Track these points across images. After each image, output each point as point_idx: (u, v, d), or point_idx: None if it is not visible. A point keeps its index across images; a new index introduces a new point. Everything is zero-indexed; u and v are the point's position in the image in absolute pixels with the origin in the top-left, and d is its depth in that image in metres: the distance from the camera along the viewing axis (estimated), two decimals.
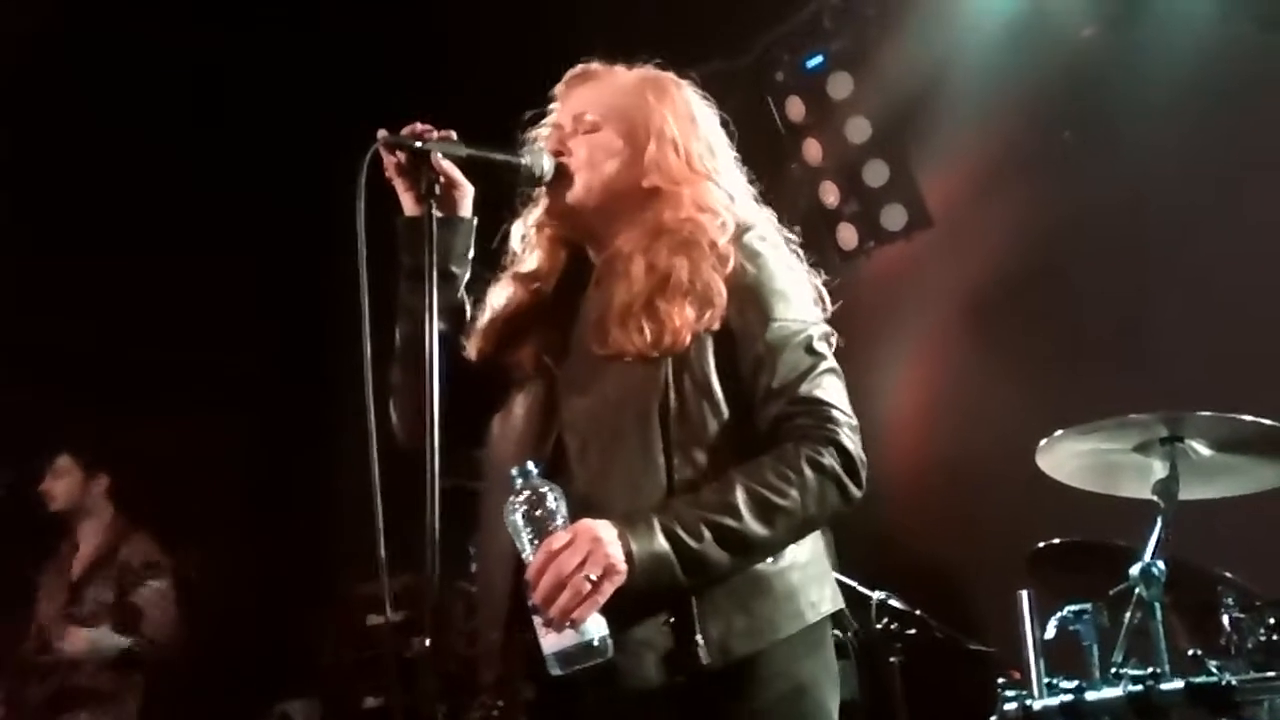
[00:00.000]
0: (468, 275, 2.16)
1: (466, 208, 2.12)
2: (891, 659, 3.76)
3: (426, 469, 1.82)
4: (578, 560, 1.79)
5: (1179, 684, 2.75)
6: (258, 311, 6.23)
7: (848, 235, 5.11)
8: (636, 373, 1.97)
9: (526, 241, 2.24)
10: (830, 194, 5.14)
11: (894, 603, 3.75)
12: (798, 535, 1.96)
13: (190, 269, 5.72)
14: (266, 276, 6.21)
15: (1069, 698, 2.90)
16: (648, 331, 1.97)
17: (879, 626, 3.73)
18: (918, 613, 3.79)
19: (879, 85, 4.96)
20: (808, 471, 1.90)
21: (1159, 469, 3.05)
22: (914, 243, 4.99)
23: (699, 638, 1.89)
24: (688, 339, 1.97)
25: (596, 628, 1.80)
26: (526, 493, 1.85)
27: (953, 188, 4.93)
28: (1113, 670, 2.88)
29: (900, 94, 4.92)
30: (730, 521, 1.87)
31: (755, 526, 1.87)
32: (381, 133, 2.02)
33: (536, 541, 1.83)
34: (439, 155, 2.02)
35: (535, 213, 2.21)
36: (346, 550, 5.65)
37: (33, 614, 4.67)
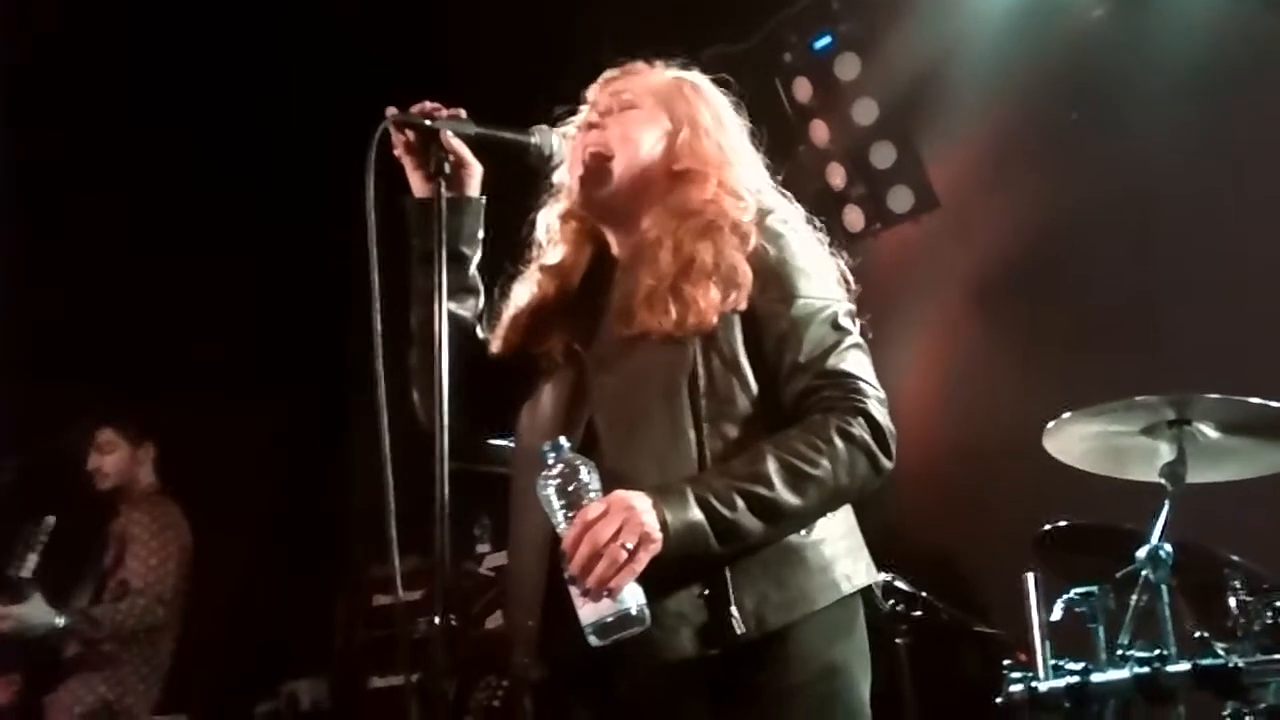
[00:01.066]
0: (479, 255, 2.16)
1: (475, 187, 2.13)
2: (897, 640, 3.76)
3: (436, 450, 1.82)
4: (613, 529, 1.79)
5: (1186, 666, 2.76)
6: (280, 290, 6.25)
7: (854, 217, 5.10)
8: (664, 351, 1.99)
9: (551, 234, 2.25)
10: (837, 176, 5.13)
11: (900, 584, 3.75)
12: (829, 505, 1.96)
13: (215, 261, 5.75)
14: (292, 264, 6.21)
15: (1075, 679, 2.92)
16: (674, 312, 1.98)
17: (885, 608, 3.74)
18: (924, 595, 3.79)
19: (887, 67, 4.94)
20: (838, 441, 1.92)
21: (1166, 452, 3.06)
22: (921, 225, 4.98)
23: (733, 609, 1.90)
24: (714, 319, 1.98)
25: (634, 597, 1.80)
26: (559, 467, 1.85)
27: (960, 170, 4.92)
28: (1119, 652, 2.89)
29: (908, 75, 4.90)
30: (763, 490, 1.88)
31: (787, 495, 1.88)
32: (390, 110, 2.02)
33: (571, 515, 1.83)
34: (448, 133, 2.02)
35: (560, 205, 2.23)
36: (356, 530, 5.67)
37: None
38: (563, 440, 1.87)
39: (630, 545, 1.79)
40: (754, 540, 1.90)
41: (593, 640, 1.81)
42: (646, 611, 1.81)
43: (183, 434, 4.95)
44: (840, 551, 2.01)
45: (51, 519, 4.51)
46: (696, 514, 1.85)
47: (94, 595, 4.49)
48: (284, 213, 6.04)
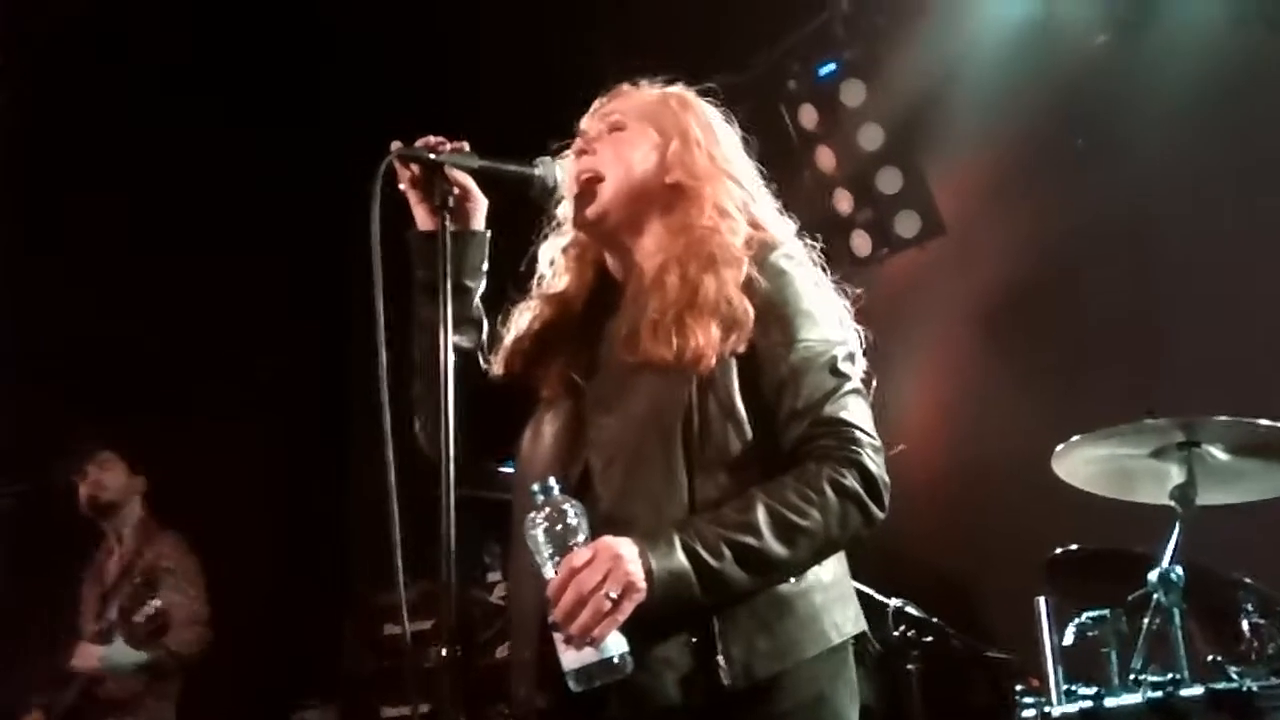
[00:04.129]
0: (482, 287, 2.17)
1: (480, 220, 2.13)
2: (909, 666, 3.74)
3: (442, 479, 1.82)
4: (598, 578, 1.79)
5: (1199, 690, 2.75)
6: (284, 317, 6.26)
7: (861, 243, 5.11)
8: (662, 390, 1.98)
9: (555, 265, 2.25)
10: (844, 201, 5.14)
11: (911, 610, 3.74)
12: (818, 557, 1.95)
13: (217, 271, 5.75)
14: (296, 282, 6.24)
15: (1088, 704, 2.90)
16: (674, 344, 1.97)
17: (896, 634, 3.72)
18: (935, 620, 3.77)
19: (892, 92, 4.96)
20: (829, 492, 1.90)
21: (1176, 474, 3.05)
22: (927, 250, 4.98)
23: (720, 658, 1.89)
24: (712, 358, 1.97)
25: (616, 645, 1.80)
26: (547, 509, 1.85)
27: (965, 194, 4.93)
28: (1132, 677, 2.88)
29: (913, 101, 4.91)
30: (751, 540, 1.87)
31: (775, 546, 1.87)
32: (395, 145, 2.02)
33: (557, 558, 1.83)
34: (452, 167, 2.03)
35: (563, 236, 2.23)
36: (365, 559, 5.66)
37: (72, 622, 4.62)
38: (552, 481, 1.86)
39: (614, 595, 1.79)
40: (740, 589, 1.89)
41: (573, 685, 1.81)
42: (629, 660, 1.81)
43: (188, 461, 4.98)
44: (830, 600, 1.99)
45: (98, 558, 4.63)
46: (683, 563, 1.84)
47: (126, 630, 4.49)
48: (287, 245, 6.07)
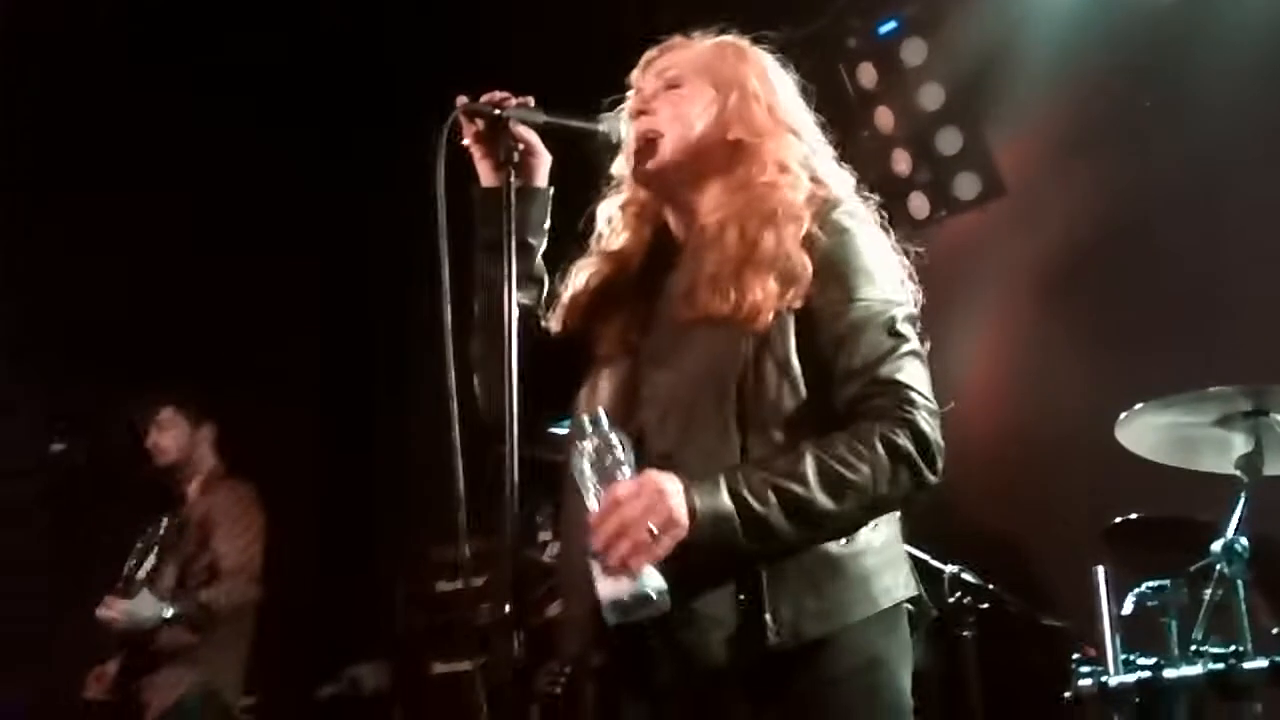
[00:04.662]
0: (544, 245, 2.16)
1: (543, 177, 2.12)
2: (964, 633, 3.72)
3: (506, 438, 1.82)
4: (640, 510, 1.79)
5: (1262, 663, 2.72)
6: (339, 283, 6.33)
7: (919, 204, 5.04)
8: (718, 345, 1.97)
9: (613, 223, 2.24)
10: (902, 162, 5.07)
11: (967, 576, 3.71)
12: (867, 515, 1.93)
13: (274, 249, 5.84)
14: (362, 258, 6.32)
15: (1146, 674, 2.87)
16: (733, 298, 1.96)
17: (951, 600, 3.70)
18: (991, 587, 3.75)
19: (953, 51, 4.87)
20: (880, 450, 1.88)
21: (1241, 443, 3.00)
22: (987, 212, 4.91)
23: (768, 616, 1.89)
24: (770, 314, 1.96)
25: (653, 580, 1.79)
26: (595, 440, 1.85)
27: (1027, 156, 4.84)
28: (1193, 648, 2.84)
29: (974, 60, 4.82)
30: (798, 489, 1.85)
31: (822, 498, 1.85)
32: (461, 99, 2.02)
33: (602, 490, 1.83)
34: (516, 123, 2.02)
35: (622, 194, 2.22)
36: (419, 515, 5.71)
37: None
38: (602, 413, 1.87)
39: (655, 528, 1.78)
40: (784, 539, 1.87)
41: (609, 618, 1.81)
42: (666, 596, 1.80)
43: (242, 418, 5.02)
44: (881, 564, 1.97)
45: (165, 519, 4.65)
46: (727, 504, 1.83)
47: (179, 580, 4.55)
48: (348, 198, 6.12)
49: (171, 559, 4.60)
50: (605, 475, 1.84)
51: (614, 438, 1.85)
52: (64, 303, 5.22)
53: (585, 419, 1.86)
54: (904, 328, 1.99)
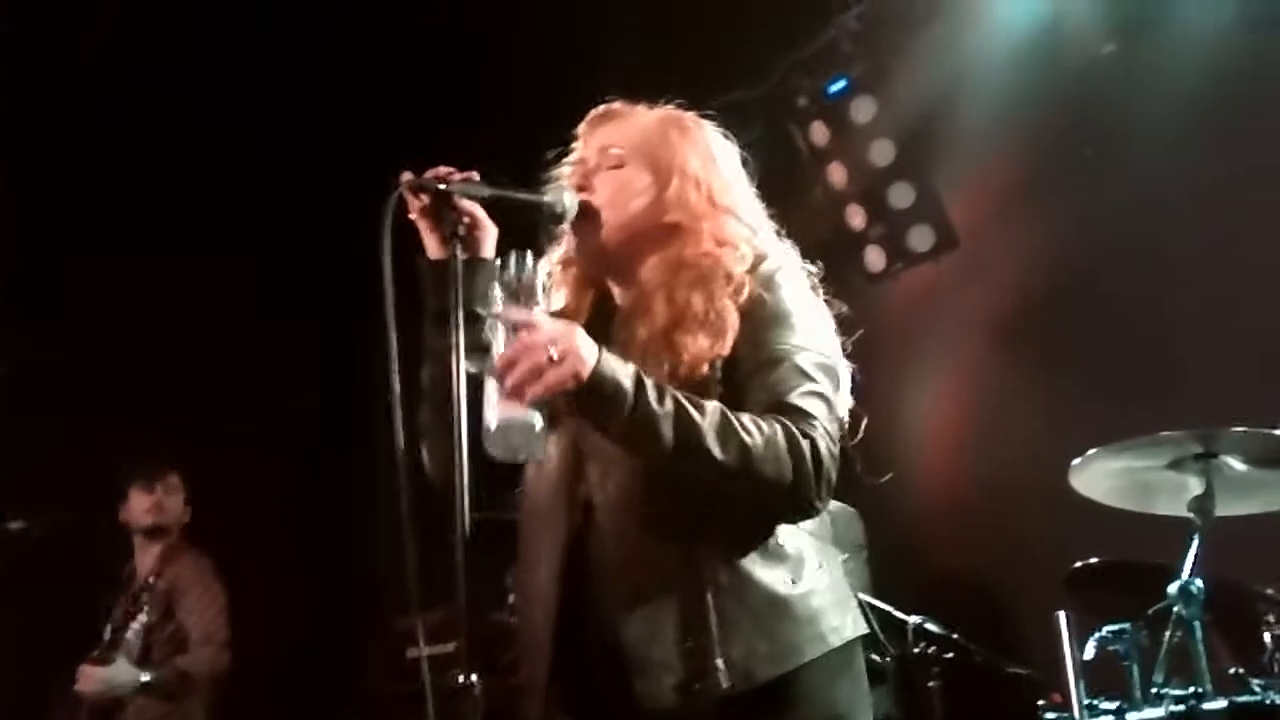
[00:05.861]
0: (500, 263, 2.19)
1: (489, 249, 2.14)
2: (930, 683, 3.73)
3: (455, 505, 1.83)
4: (546, 335, 1.84)
5: (1222, 703, 2.73)
6: (308, 352, 6.33)
7: (875, 258, 5.10)
8: None
9: (553, 280, 2.27)
10: (856, 217, 5.14)
11: (931, 626, 3.73)
12: (741, 479, 1.91)
13: (241, 312, 5.83)
14: (324, 320, 6.31)
15: (1110, 719, 2.88)
16: (666, 364, 2.01)
17: (916, 650, 3.71)
18: (955, 636, 3.76)
19: (901, 107, 4.96)
20: (779, 437, 1.93)
21: (1194, 486, 3.03)
22: (941, 263, 4.97)
23: (719, 661, 1.90)
24: (705, 368, 2.01)
25: (540, 419, 1.84)
26: (511, 280, 1.90)
27: (977, 207, 4.92)
28: (1154, 691, 2.86)
29: (923, 114, 4.92)
30: (694, 415, 1.89)
31: (711, 437, 1.89)
32: (405, 175, 2.05)
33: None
34: (461, 196, 2.05)
35: (560, 251, 2.25)
36: (389, 582, 5.67)
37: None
38: (529, 258, 1.91)
39: (556, 354, 1.82)
40: (661, 449, 1.88)
41: (495, 450, 1.85)
42: (544, 441, 1.85)
43: (213, 490, 5.00)
44: (828, 603, 2.01)
45: (134, 587, 4.62)
46: (627, 382, 1.87)
47: (143, 650, 4.50)
48: (301, 272, 6.14)
49: (129, 628, 4.55)
50: (520, 303, 1.89)
51: (532, 274, 1.90)
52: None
53: (505, 260, 1.91)
54: (814, 371, 2.03)
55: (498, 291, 1.91)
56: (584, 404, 1.89)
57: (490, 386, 1.85)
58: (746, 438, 1.90)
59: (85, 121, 5.43)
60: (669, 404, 1.89)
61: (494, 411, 1.84)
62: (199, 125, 5.74)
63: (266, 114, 5.79)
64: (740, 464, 1.90)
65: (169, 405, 5.45)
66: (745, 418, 1.93)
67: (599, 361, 1.87)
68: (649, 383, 1.89)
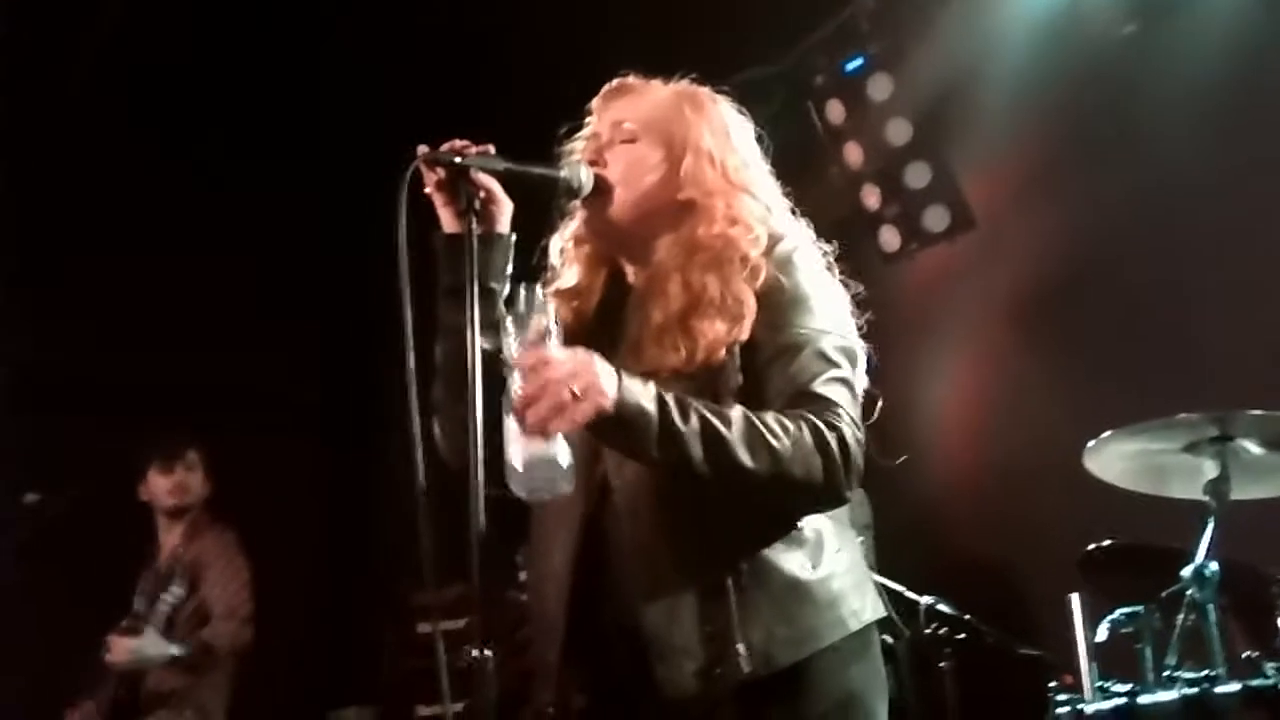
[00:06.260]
0: (506, 291, 2.17)
1: (505, 224, 2.13)
2: (941, 664, 3.73)
3: (470, 481, 1.83)
4: (565, 371, 1.81)
5: (1235, 687, 2.73)
6: (308, 350, 6.36)
7: (890, 238, 5.07)
8: (673, 387, 1.97)
9: (565, 256, 2.25)
10: (872, 197, 5.12)
11: (943, 607, 3.73)
12: (772, 485, 1.91)
13: (241, 312, 5.85)
14: (335, 306, 6.34)
15: (1122, 701, 2.89)
16: (683, 349, 1.99)
17: (928, 631, 3.71)
18: (967, 617, 3.76)
19: (919, 86, 4.93)
20: (806, 435, 1.91)
21: (1209, 469, 3.02)
22: (957, 244, 4.95)
23: (740, 646, 1.90)
24: (722, 354, 1.99)
25: (565, 453, 1.81)
26: (524, 311, 1.87)
27: (995, 188, 4.90)
28: (1167, 674, 2.86)
29: (940, 94, 4.89)
30: (719, 426, 1.87)
31: (739, 446, 1.87)
32: (421, 149, 2.03)
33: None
34: (477, 170, 2.04)
35: (572, 227, 2.23)
36: (403, 559, 5.69)
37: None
38: (537, 290, 1.89)
39: (578, 390, 1.79)
40: (689, 465, 1.87)
41: (515, 486, 1.82)
42: (573, 475, 1.82)
43: (232, 462, 5.02)
44: (846, 587, 2.00)
45: (158, 560, 4.68)
46: (650, 403, 1.85)
47: (167, 623, 4.53)
48: (319, 243, 6.15)
49: (157, 603, 4.58)
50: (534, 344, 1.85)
51: (542, 308, 1.87)
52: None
53: (522, 288, 1.88)
54: (835, 355, 2.02)
55: (509, 325, 1.88)
56: (609, 435, 1.87)
57: (510, 424, 1.82)
58: (775, 442, 1.89)
59: (85, 121, 5.42)
60: (694, 420, 1.87)
61: (517, 450, 1.81)
62: (199, 125, 5.73)
63: (266, 114, 5.77)
64: (770, 470, 1.89)
65: (169, 405, 5.45)
66: (770, 419, 1.91)
67: (620, 390, 1.84)
68: (671, 401, 1.87)
